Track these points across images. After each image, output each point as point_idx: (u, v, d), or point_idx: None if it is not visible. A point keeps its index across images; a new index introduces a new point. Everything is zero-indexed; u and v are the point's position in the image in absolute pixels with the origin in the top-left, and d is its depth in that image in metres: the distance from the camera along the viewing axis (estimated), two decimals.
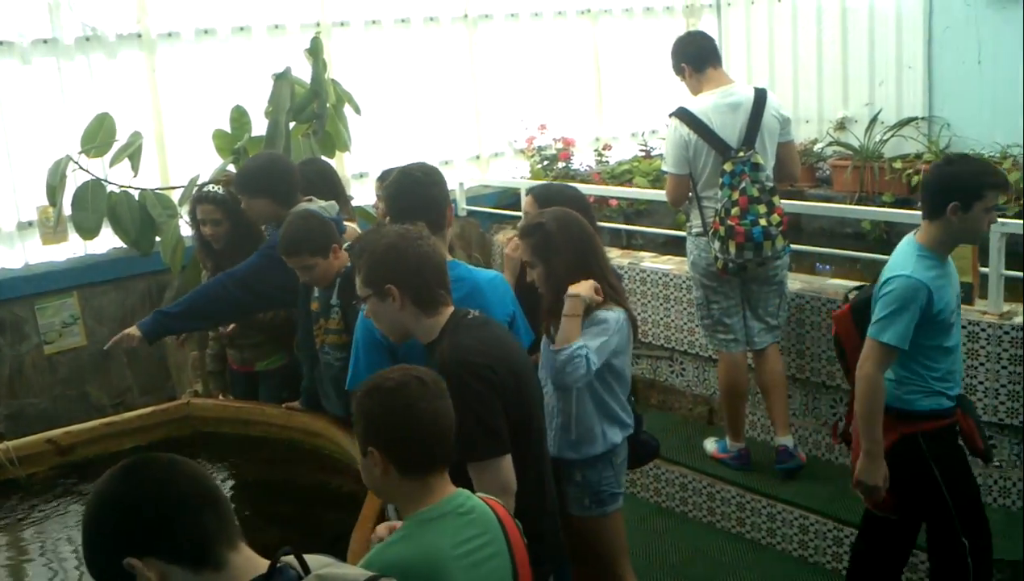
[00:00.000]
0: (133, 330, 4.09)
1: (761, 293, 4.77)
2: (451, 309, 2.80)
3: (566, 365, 3.19)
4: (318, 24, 6.75)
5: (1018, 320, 4.26)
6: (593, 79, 8.43)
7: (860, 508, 4.43)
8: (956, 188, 3.30)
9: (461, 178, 7.35)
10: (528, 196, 4.05)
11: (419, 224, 2.90)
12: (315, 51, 5.88)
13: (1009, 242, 4.48)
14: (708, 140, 4.58)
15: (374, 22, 7.06)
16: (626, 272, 5.81)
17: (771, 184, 4.56)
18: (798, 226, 8.10)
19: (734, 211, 4.48)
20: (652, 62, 8.64)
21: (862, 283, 4.09)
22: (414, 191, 3.16)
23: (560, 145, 7.93)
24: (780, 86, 8.75)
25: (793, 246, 4.97)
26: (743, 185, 4.48)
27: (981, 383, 4.32)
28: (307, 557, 1.77)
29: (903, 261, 3.36)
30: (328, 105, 5.89)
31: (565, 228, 3.34)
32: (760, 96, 4.61)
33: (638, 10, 8.61)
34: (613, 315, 3.32)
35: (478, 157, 7.79)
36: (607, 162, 8.19)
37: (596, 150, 8.21)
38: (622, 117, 8.53)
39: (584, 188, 7.15)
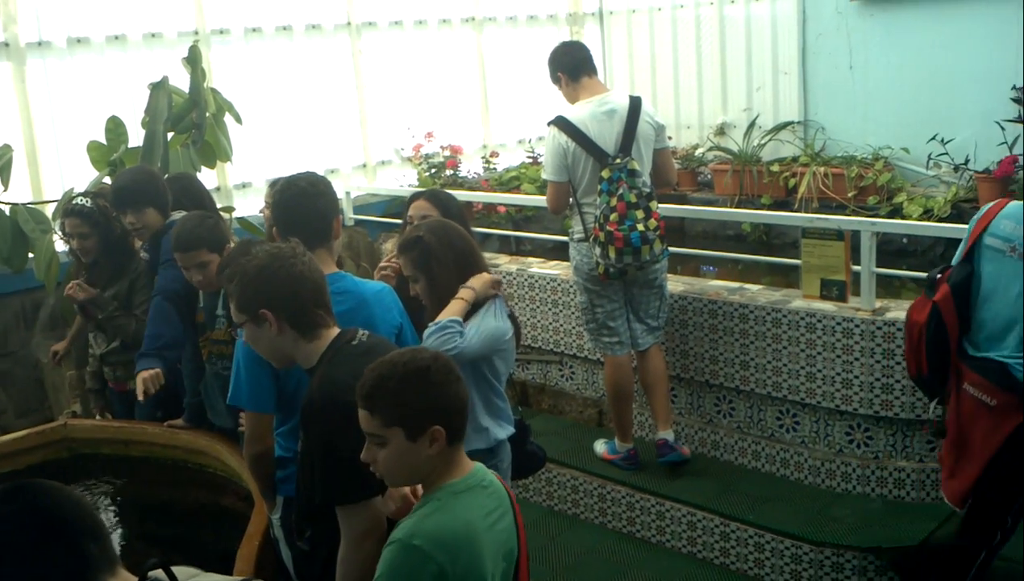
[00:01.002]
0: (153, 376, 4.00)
1: (642, 296, 4.86)
2: (334, 331, 2.69)
3: (438, 337, 3.18)
4: (196, 32, 6.63)
5: (890, 315, 4.42)
6: (479, 87, 8.47)
7: (744, 503, 4.57)
8: None
9: (348, 187, 7.30)
10: (421, 200, 4.02)
11: (294, 241, 2.82)
12: (193, 60, 5.77)
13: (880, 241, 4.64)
14: (586, 148, 4.65)
15: (255, 30, 6.96)
16: (514, 278, 5.84)
17: (648, 189, 4.64)
18: (681, 229, 8.29)
19: (612, 217, 4.54)
20: (537, 70, 8.70)
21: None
22: (299, 203, 3.10)
23: (448, 153, 7.94)
24: (662, 93, 8.94)
25: (675, 249, 5.06)
26: (620, 191, 4.56)
27: (856, 377, 4.47)
28: (175, 569, 1.75)
29: None
30: (208, 115, 5.79)
31: (444, 238, 3.34)
32: (635, 104, 4.70)
33: (522, 18, 8.69)
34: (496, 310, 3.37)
35: (365, 165, 7.75)
36: (495, 169, 8.24)
37: (483, 157, 8.24)
38: (509, 124, 8.59)
39: (472, 195, 7.30)
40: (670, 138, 5.16)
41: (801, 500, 4.57)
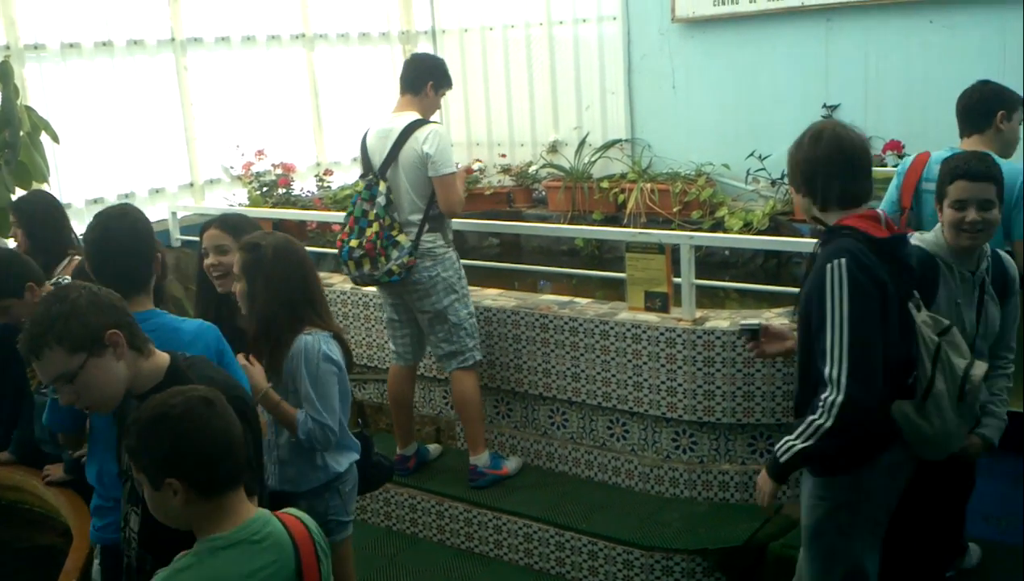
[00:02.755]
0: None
1: (421, 319, 4.97)
2: (163, 353, 2.63)
3: (312, 442, 3.32)
4: (8, 47, 6.32)
5: (710, 324, 4.59)
6: (311, 104, 8.37)
7: (578, 513, 4.65)
8: (1001, 100, 4.00)
9: (175, 207, 7.09)
10: (212, 228, 3.85)
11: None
12: (4, 76, 5.53)
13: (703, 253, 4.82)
14: (361, 159, 4.99)
15: (72, 46, 6.68)
16: (348, 297, 5.80)
17: (379, 211, 4.79)
18: (518, 245, 8.41)
19: (345, 228, 4.88)
20: (372, 87, 8.72)
21: None
22: (119, 250, 2.99)
23: (280, 171, 7.82)
24: (495, 111, 9.06)
25: (510, 266, 5.14)
26: (357, 204, 4.86)
27: (680, 385, 4.63)
28: None
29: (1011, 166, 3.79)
30: (22, 133, 5.55)
31: (281, 261, 3.34)
32: (407, 129, 4.80)
33: (354, 36, 8.64)
34: (309, 339, 3.33)
35: (192, 185, 7.53)
36: (329, 187, 8.15)
37: (317, 176, 8.14)
38: (343, 142, 8.51)
39: (306, 214, 7.21)
40: (463, 164, 5.24)
41: (632, 506, 4.69)
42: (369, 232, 4.80)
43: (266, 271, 3.31)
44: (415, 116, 4.87)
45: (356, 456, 3.54)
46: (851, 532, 3.09)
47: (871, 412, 2.86)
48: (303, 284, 3.41)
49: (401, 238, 4.79)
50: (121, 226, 3.01)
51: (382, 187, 4.81)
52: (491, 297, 5.43)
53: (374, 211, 4.82)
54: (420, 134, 4.78)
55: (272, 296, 3.31)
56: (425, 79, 4.94)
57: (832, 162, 2.97)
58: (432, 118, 4.96)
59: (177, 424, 2.11)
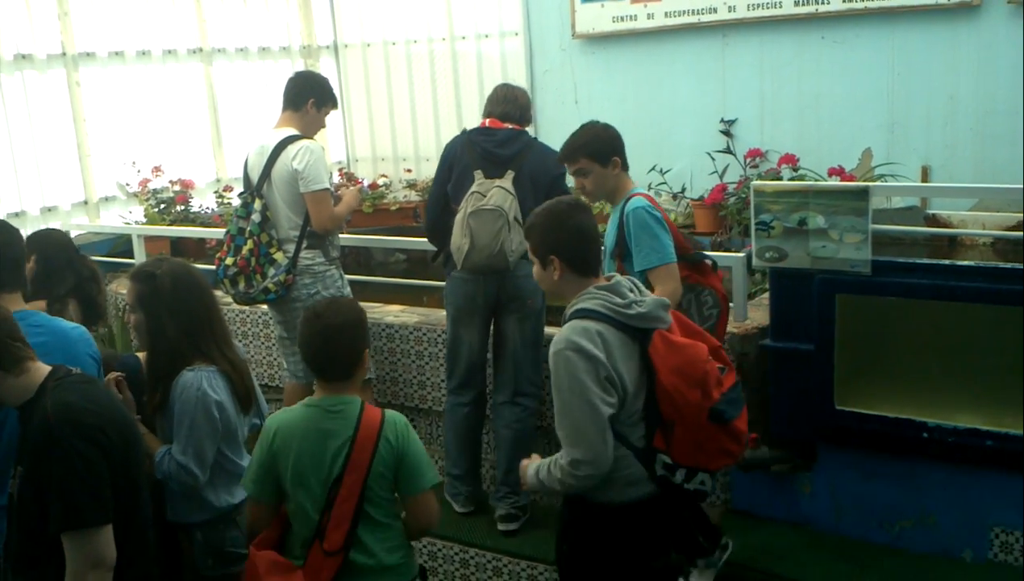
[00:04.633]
0: None
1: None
2: (43, 366, 2.61)
3: (171, 482, 3.22)
4: None
5: None
6: (209, 120, 8.21)
7: (484, 528, 4.63)
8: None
9: (68, 226, 6.89)
10: None
11: None
12: None
13: None
14: (243, 175, 4.99)
15: None
16: (247, 316, 5.70)
17: (252, 228, 4.78)
18: (424, 261, 8.35)
19: (224, 247, 4.92)
20: (272, 102, 8.56)
21: None
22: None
23: (178, 188, 7.65)
24: (400, 125, 9.02)
25: (419, 282, 5.11)
26: (234, 222, 4.90)
27: None
28: None
29: None
30: None
31: (181, 290, 3.25)
32: (279, 145, 4.78)
33: (254, 50, 8.51)
34: (190, 376, 3.21)
35: (87, 202, 7.32)
36: (229, 204, 7.99)
37: (216, 192, 7.99)
38: (243, 158, 8.34)
39: (205, 232, 7.07)
40: (368, 179, 5.20)
41: (550, 520, 4.68)
42: (244, 250, 4.78)
43: (167, 302, 3.20)
44: (291, 132, 4.83)
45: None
46: None
47: None
48: (207, 313, 3.32)
49: (278, 256, 4.77)
50: None
51: (257, 204, 4.80)
52: (393, 313, 5.39)
53: (248, 228, 4.80)
54: (291, 149, 4.75)
55: (168, 326, 3.20)
56: (306, 96, 4.90)
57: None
58: (315, 137, 4.93)
59: None
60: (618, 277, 3.02)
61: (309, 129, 4.89)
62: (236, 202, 5.10)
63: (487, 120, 4.70)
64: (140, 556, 2.72)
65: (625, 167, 3.99)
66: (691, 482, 2.96)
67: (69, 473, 2.41)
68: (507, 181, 4.46)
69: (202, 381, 3.19)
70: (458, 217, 4.47)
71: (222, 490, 3.32)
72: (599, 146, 3.88)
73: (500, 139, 4.57)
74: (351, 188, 5.30)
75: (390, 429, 2.94)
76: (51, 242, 4.20)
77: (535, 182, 4.50)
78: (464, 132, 4.73)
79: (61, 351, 2.86)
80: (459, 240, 4.44)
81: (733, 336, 4.61)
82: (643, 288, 3.09)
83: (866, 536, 4.35)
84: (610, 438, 2.85)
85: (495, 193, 4.43)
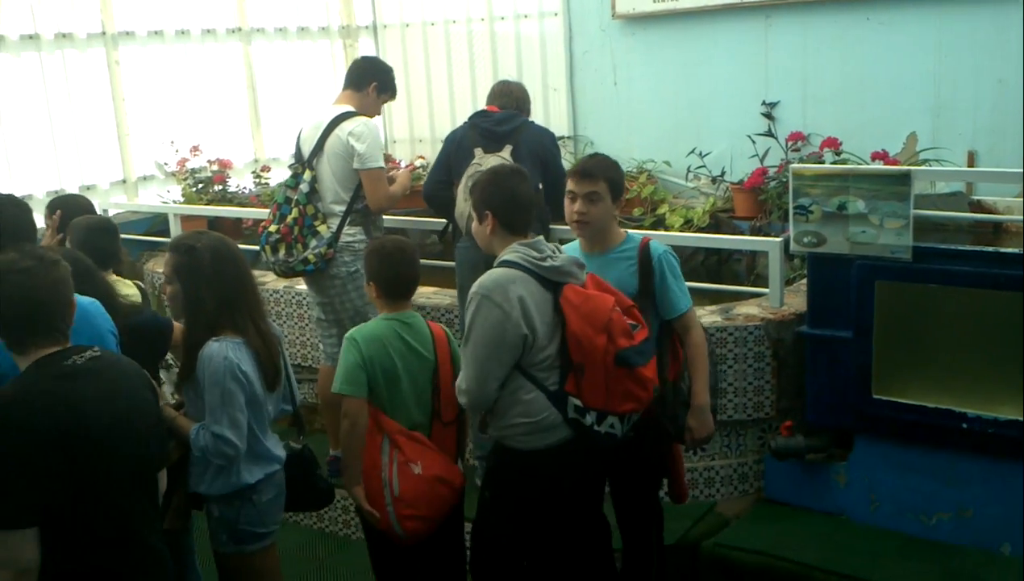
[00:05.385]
0: None
1: (344, 315, 4.88)
2: (49, 349, 2.54)
3: (208, 456, 3.22)
4: None
5: None
6: (248, 100, 8.22)
7: None
8: None
9: (106, 204, 6.94)
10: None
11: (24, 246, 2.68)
12: None
13: None
14: (295, 149, 5.01)
15: None
16: (282, 296, 5.70)
17: (300, 198, 4.80)
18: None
19: (269, 215, 4.95)
20: (311, 82, 8.59)
21: None
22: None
23: (215, 168, 7.67)
24: (437, 106, 8.98)
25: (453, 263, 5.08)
26: (281, 191, 4.95)
27: None
28: None
29: None
30: None
31: (218, 262, 3.24)
32: (336, 119, 4.80)
33: (293, 30, 8.50)
34: (216, 346, 3.20)
35: (125, 181, 7.36)
36: (267, 184, 8.01)
37: (254, 172, 8.00)
38: (281, 138, 8.37)
39: (241, 212, 7.09)
40: (406, 161, 5.20)
41: None
42: (289, 218, 4.81)
43: (204, 274, 3.20)
44: (349, 108, 4.84)
45: (275, 468, 3.40)
46: None
47: None
48: (243, 286, 3.31)
49: (322, 228, 4.78)
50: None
51: (307, 175, 4.83)
52: (426, 295, 5.36)
53: (296, 198, 4.82)
54: (348, 125, 4.77)
55: (205, 299, 3.21)
56: (370, 79, 4.95)
57: None
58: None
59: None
60: (540, 237, 3.37)
61: (367, 112, 4.94)
62: (282, 178, 5.16)
63: (487, 108, 5.02)
64: (109, 550, 2.58)
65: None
66: (601, 425, 3.19)
67: None
68: (506, 153, 4.68)
69: (227, 350, 3.19)
70: (459, 187, 4.62)
71: (242, 465, 3.29)
72: (619, 180, 3.64)
73: (498, 119, 4.85)
74: (404, 169, 5.29)
75: (450, 336, 3.75)
76: (76, 205, 4.35)
77: (533, 155, 4.72)
78: (466, 121, 4.97)
79: (85, 332, 2.81)
80: (462, 206, 4.58)
81: (769, 322, 4.53)
82: (561, 249, 3.42)
83: (902, 528, 4.28)
84: (494, 383, 3.19)
85: (491, 160, 4.60)
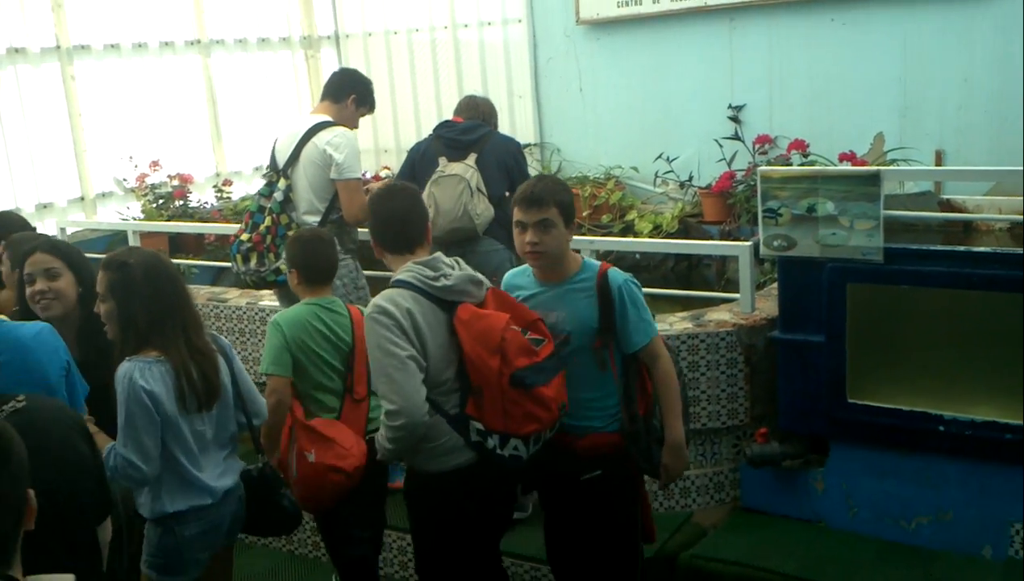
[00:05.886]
0: None
1: None
2: None
3: (119, 479, 3.03)
4: None
5: None
6: (208, 112, 8.09)
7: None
8: None
9: (64, 222, 6.78)
10: (39, 253, 3.49)
11: None
12: None
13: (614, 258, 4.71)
14: (270, 158, 4.93)
15: None
16: (244, 312, 5.57)
17: (273, 206, 4.72)
18: None
19: (241, 225, 4.86)
20: (273, 94, 8.47)
21: None
22: None
23: (176, 183, 7.53)
24: (402, 115, 8.88)
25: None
26: (255, 200, 4.88)
27: None
28: None
29: None
30: None
31: (152, 279, 3.10)
32: (313, 129, 4.71)
33: (253, 41, 8.38)
34: (125, 366, 3.05)
35: (83, 199, 7.21)
36: (229, 198, 7.88)
37: (215, 186, 7.87)
38: (244, 151, 8.25)
39: (205, 227, 6.96)
40: (371, 172, 5.10)
41: (529, 519, 4.54)
42: (261, 227, 4.72)
43: (137, 291, 3.06)
44: (326, 118, 4.76)
45: (205, 501, 3.18)
46: None
47: None
48: (177, 302, 3.18)
49: None
50: None
51: (281, 184, 4.74)
52: None
53: (269, 206, 4.73)
54: (325, 135, 4.67)
55: (148, 317, 3.06)
56: (349, 91, 4.86)
57: None
58: None
59: None
60: (439, 254, 3.27)
61: (344, 124, 4.83)
62: (250, 195, 5.06)
63: (452, 119, 5.00)
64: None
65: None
66: (504, 448, 3.11)
67: None
68: (470, 161, 4.68)
69: (134, 371, 3.03)
70: (423, 195, 4.35)
71: (163, 491, 3.13)
72: (570, 202, 3.32)
73: (462, 128, 4.83)
74: (381, 182, 5.20)
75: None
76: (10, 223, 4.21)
77: (499, 163, 4.72)
78: (431, 133, 4.95)
79: (22, 369, 2.66)
80: None
81: (741, 327, 4.46)
82: (463, 263, 3.29)
83: (881, 533, 4.20)
84: (420, 388, 3.04)
85: (456, 166, 4.62)
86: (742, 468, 4.48)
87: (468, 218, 4.60)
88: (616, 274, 3.31)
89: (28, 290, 3.32)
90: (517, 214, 3.26)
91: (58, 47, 6.98)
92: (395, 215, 3.27)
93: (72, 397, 2.84)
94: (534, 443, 3.14)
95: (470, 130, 4.78)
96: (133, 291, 3.08)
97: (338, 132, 4.68)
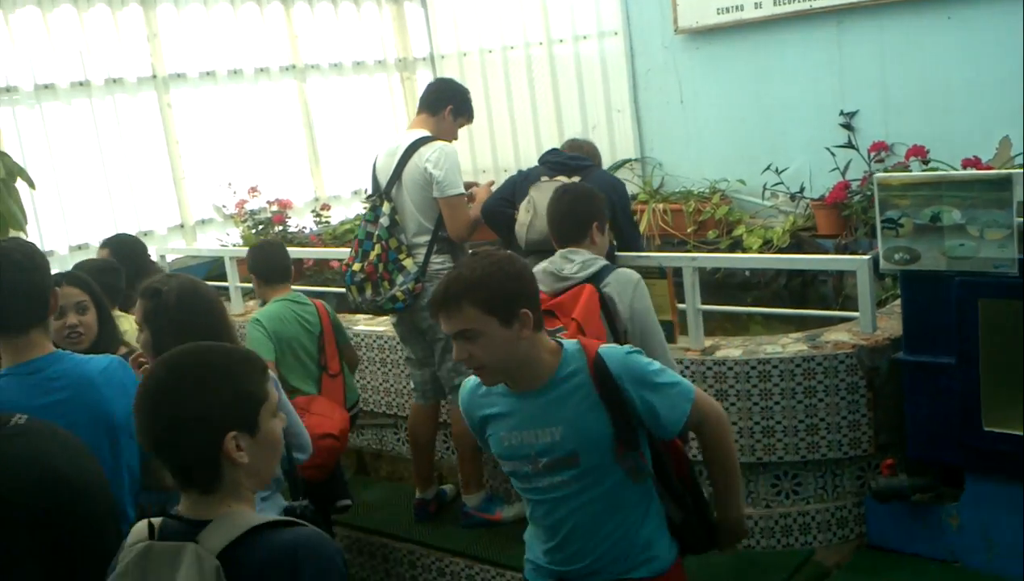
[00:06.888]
0: None
1: (435, 348, 4.62)
2: None
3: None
4: None
5: (720, 354, 4.19)
6: (305, 137, 8.07)
7: None
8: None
9: (164, 250, 6.80)
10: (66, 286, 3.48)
11: None
12: None
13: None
14: (371, 179, 4.75)
15: (47, 87, 6.42)
16: (362, 340, 5.42)
17: (381, 233, 4.54)
18: None
19: (351, 253, 4.70)
20: (369, 117, 8.43)
21: None
22: (16, 279, 2.61)
23: (275, 208, 7.51)
24: (498, 134, 8.74)
25: None
26: (362, 227, 4.69)
27: None
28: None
29: None
30: None
31: (187, 304, 2.95)
32: (412, 146, 4.52)
33: (348, 65, 8.35)
34: None
35: (183, 226, 7.25)
36: (327, 222, 7.83)
37: (314, 211, 7.83)
38: (342, 175, 8.21)
39: (303, 252, 6.89)
40: (469, 185, 4.86)
41: None
42: (372, 255, 4.54)
43: (172, 318, 2.92)
44: (424, 133, 4.58)
45: None
46: None
47: None
48: (212, 331, 3.02)
49: (407, 262, 4.51)
50: (24, 262, 2.63)
51: (385, 207, 4.55)
52: None
53: (376, 233, 4.56)
54: (425, 151, 4.48)
55: (173, 343, 2.90)
56: (446, 101, 4.67)
57: None
58: None
59: None
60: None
61: (443, 136, 4.65)
62: (349, 219, 4.97)
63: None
64: None
65: (538, 325, 2.49)
66: None
67: None
68: (574, 178, 4.34)
69: None
70: (522, 203, 4.27)
71: None
72: (504, 292, 2.40)
73: (569, 156, 4.54)
74: (481, 185, 4.95)
75: (328, 308, 4.70)
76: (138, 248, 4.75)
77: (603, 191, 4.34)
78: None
79: (83, 406, 2.54)
80: (523, 217, 4.24)
81: (862, 349, 4.13)
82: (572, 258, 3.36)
83: None
84: None
85: (560, 178, 4.27)
86: (867, 502, 4.14)
87: None
88: (611, 353, 2.50)
89: (56, 323, 3.21)
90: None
91: (154, 76, 7.04)
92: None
93: None
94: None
95: (577, 158, 4.56)
96: (165, 319, 2.95)
97: (436, 147, 4.50)
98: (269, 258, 4.64)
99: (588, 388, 2.46)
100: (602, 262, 3.39)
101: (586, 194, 3.60)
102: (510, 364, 2.43)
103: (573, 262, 3.34)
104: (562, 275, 3.30)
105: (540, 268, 3.30)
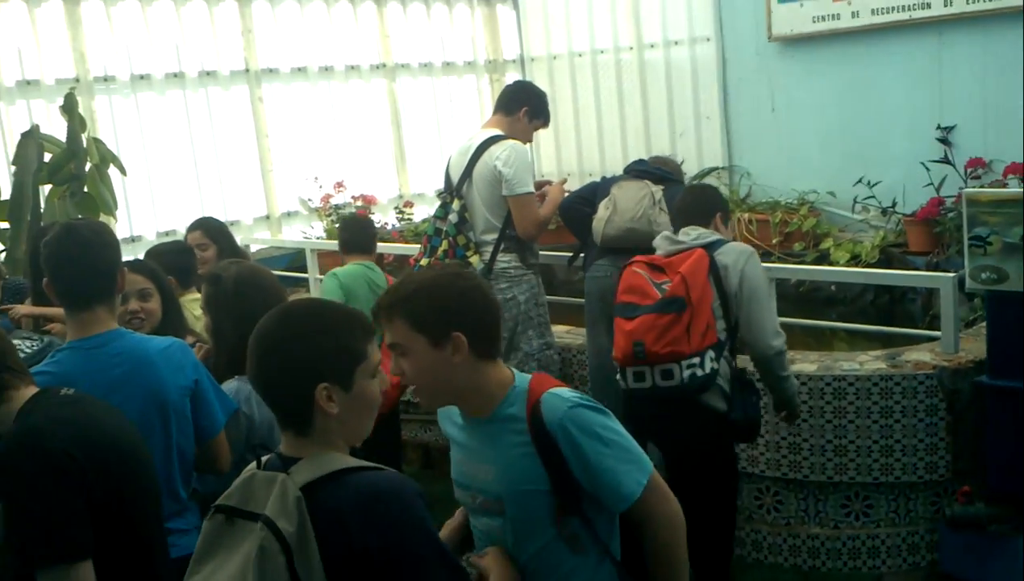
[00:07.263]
0: None
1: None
2: (31, 390, 2.29)
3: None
4: (77, 80, 6.26)
5: (794, 368, 4.06)
6: (392, 135, 8.13)
7: None
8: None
9: (249, 239, 6.93)
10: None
11: None
12: (69, 108, 5.48)
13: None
14: (444, 177, 4.80)
15: (143, 77, 6.59)
16: None
17: (449, 229, 4.57)
18: None
19: (421, 248, 4.80)
20: (457, 118, 8.45)
21: None
22: (83, 254, 2.65)
23: (360, 203, 7.59)
24: (585, 138, 8.68)
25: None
26: (431, 223, 4.75)
27: (762, 437, 4.11)
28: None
29: None
30: (90, 166, 5.47)
31: (243, 292, 2.94)
32: (483, 144, 4.53)
33: (438, 65, 8.39)
34: (234, 386, 2.90)
35: (268, 217, 7.36)
36: (410, 220, 7.88)
37: (397, 208, 7.88)
38: (427, 174, 8.25)
39: (383, 247, 6.94)
40: (542, 185, 4.82)
41: None
42: (439, 251, 4.59)
43: (230, 304, 2.93)
44: (497, 132, 4.59)
45: None
46: None
47: None
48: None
49: (474, 259, 4.53)
50: (93, 238, 2.68)
51: (455, 204, 4.59)
52: (559, 334, 5.01)
53: (445, 229, 4.59)
54: (496, 149, 4.49)
55: (236, 332, 2.85)
56: (521, 103, 4.68)
57: None
58: None
59: None
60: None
61: (517, 138, 4.66)
62: (430, 216, 5.01)
63: None
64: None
65: (493, 353, 2.19)
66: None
67: (21, 508, 2.14)
68: (652, 184, 4.45)
69: (239, 394, 2.87)
70: (601, 203, 4.44)
71: None
72: (440, 308, 2.11)
73: (654, 166, 4.69)
74: (554, 184, 4.91)
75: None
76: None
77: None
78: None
79: (140, 383, 2.57)
80: (601, 213, 4.41)
81: (943, 370, 3.97)
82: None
83: None
84: None
85: (636, 184, 4.45)
86: (941, 529, 3.98)
87: (647, 221, 4.25)
88: (553, 402, 2.12)
89: (119, 309, 3.25)
90: None
91: (247, 70, 7.17)
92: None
93: (201, 417, 2.71)
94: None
95: (662, 170, 4.63)
96: (223, 305, 2.96)
97: (507, 146, 4.50)
98: (353, 228, 4.95)
99: (524, 435, 2.13)
100: (720, 237, 3.61)
101: (713, 188, 4.04)
102: (441, 388, 2.15)
103: (691, 234, 3.58)
104: (678, 240, 3.57)
105: (662, 235, 3.65)
